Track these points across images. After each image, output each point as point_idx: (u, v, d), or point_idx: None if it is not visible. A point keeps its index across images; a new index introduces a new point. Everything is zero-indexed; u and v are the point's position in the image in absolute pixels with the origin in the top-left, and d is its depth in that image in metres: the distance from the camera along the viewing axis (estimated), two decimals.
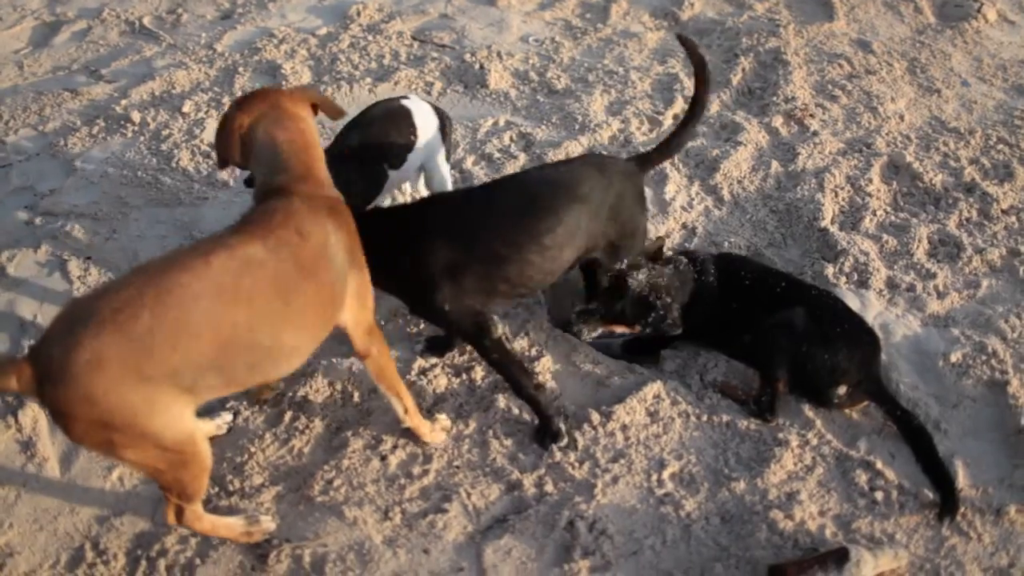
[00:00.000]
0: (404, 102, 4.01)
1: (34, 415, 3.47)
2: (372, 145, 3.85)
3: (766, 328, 3.55)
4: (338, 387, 3.61)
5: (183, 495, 2.72)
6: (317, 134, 2.94)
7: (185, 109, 5.20)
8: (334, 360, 3.70)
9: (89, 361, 2.24)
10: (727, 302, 3.72)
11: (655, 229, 4.44)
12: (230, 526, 3.03)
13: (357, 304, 2.95)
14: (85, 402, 2.27)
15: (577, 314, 3.71)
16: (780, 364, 3.50)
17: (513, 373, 3.38)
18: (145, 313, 2.30)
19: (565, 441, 3.38)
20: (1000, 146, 5.03)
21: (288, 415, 3.49)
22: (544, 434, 3.40)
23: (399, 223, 3.39)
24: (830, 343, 3.47)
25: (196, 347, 2.39)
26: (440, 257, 3.26)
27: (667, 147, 3.82)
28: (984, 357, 3.73)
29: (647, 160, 3.81)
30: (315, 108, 3.01)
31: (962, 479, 3.31)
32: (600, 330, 3.75)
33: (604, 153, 3.87)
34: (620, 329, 3.76)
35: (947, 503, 3.17)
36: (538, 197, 3.36)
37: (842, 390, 3.47)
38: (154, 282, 2.36)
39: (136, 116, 5.10)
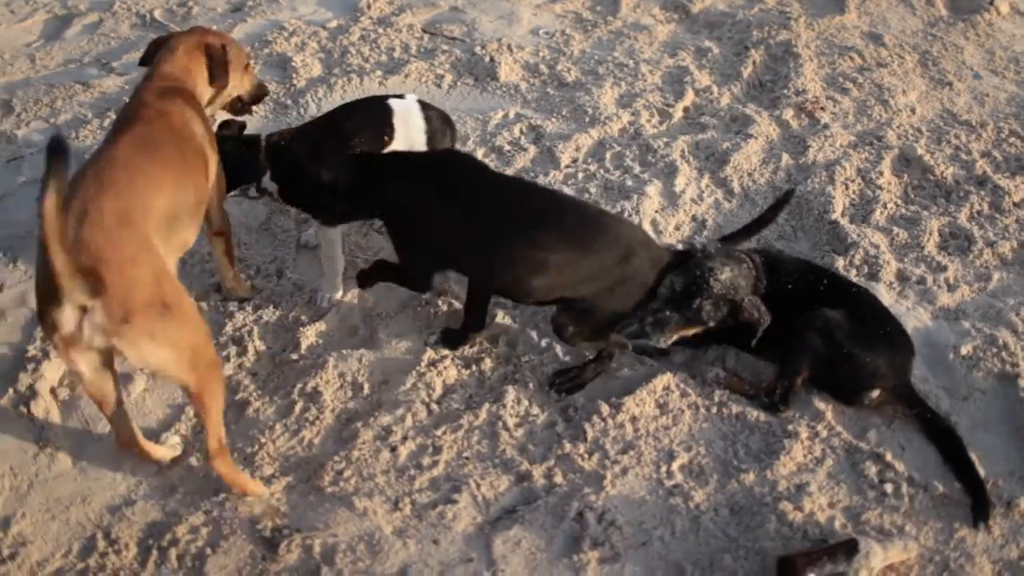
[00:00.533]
0: (391, 101, 4.02)
1: (46, 405, 3.50)
2: (338, 137, 3.84)
3: (803, 324, 3.48)
4: (348, 378, 3.62)
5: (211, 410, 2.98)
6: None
7: None
8: (344, 351, 3.72)
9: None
10: (772, 299, 3.54)
11: (665, 221, 4.44)
12: (258, 489, 3.18)
13: (218, 182, 3.55)
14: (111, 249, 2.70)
15: (652, 323, 3.49)
16: (806, 361, 3.46)
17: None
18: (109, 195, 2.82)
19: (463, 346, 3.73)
20: (1012, 139, 5.01)
21: (299, 406, 3.50)
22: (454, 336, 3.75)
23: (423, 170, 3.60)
24: (870, 346, 3.44)
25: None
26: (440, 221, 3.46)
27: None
28: (994, 350, 3.72)
29: (679, 255, 3.63)
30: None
31: (979, 472, 3.30)
32: (676, 336, 3.54)
33: (651, 235, 3.71)
34: (693, 331, 3.56)
35: (979, 506, 3.15)
36: (560, 225, 3.38)
37: (876, 393, 3.47)
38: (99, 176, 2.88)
39: None
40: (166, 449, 3.34)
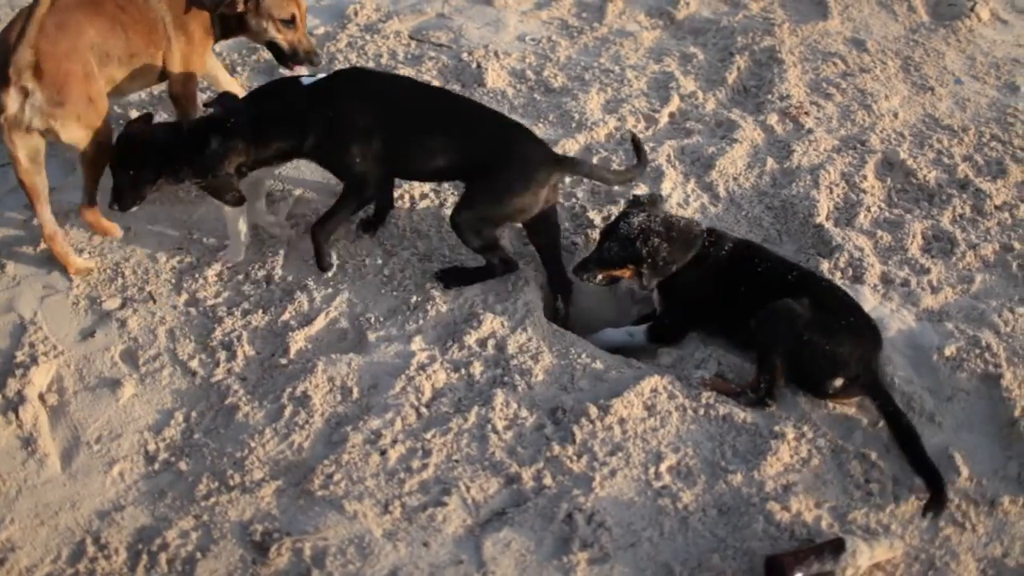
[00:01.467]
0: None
1: (35, 411, 3.50)
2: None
3: (768, 312, 3.58)
4: (337, 383, 3.63)
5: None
6: None
7: None
8: (333, 356, 3.73)
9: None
10: (738, 284, 3.78)
11: None
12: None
13: (180, 57, 4.33)
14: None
15: (577, 265, 3.95)
16: (779, 350, 3.53)
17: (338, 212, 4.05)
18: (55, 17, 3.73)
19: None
20: (993, 143, 5.07)
21: (288, 410, 3.51)
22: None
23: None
24: (832, 335, 3.50)
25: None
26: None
27: (582, 167, 4.23)
28: (978, 351, 3.77)
29: (561, 163, 4.07)
30: None
31: (964, 471, 3.35)
32: (600, 276, 3.92)
33: (536, 137, 4.11)
34: (620, 274, 3.90)
35: (936, 499, 3.19)
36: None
37: (839, 382, 3.50)
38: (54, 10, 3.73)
39: (135, 115, 5.11)
40: (82, 262, 4.09)
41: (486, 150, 3.94)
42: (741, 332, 3.72)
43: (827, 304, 3.62)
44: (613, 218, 4.03)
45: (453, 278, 4.08)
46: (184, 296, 4.03)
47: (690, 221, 3.96)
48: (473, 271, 4.10)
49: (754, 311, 3.62)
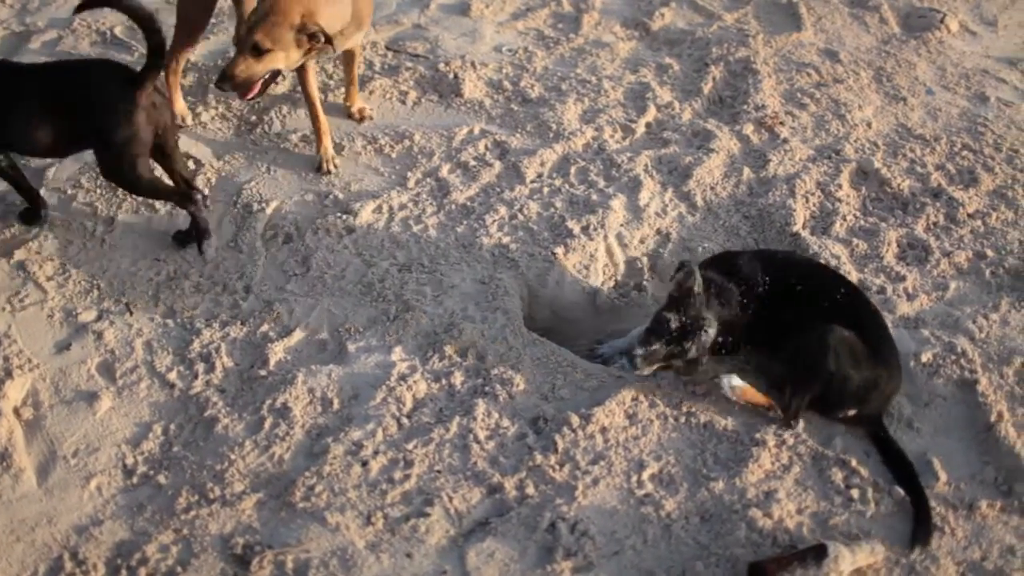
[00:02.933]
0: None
1: (9, 425, 3.45)
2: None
3: (819, 339, 3.48)
4: (317, 394, 3.61)
5: None
6: None
7: None
8: (313, 367, 3.71)
9: None
10: (779, 302, 3.64)
11: (630, 235, 4.49)
12: None
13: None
14: None
15: (642, 356, 3.55)
16: (820, 378, 3.46)
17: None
18: None
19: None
20: (965, 152, 5.14)
21: (268, 422, 3.49)
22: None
23: None
24: (868, 372, 3.47)
25: None
26: None
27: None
28: (954, 357, 3.81)
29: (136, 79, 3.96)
30: None
31: (942, 476, 3.39)
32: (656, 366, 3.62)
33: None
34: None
35: (921, 527, 3.18)
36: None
37: (852, 412, 3.52)
38: None
39: None
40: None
41: (84, 110, 3.92)
42: (783, 346, 3.60)
43: (872, 337, 3.55)
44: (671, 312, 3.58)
45: (182, 239, 4.29)
46: (162, 307, 3.99)
47: (714, 282, 3.64)
48: (192, 224, 4.24)
49: (799, 326, 3.54)
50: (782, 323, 3.60)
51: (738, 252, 4.01)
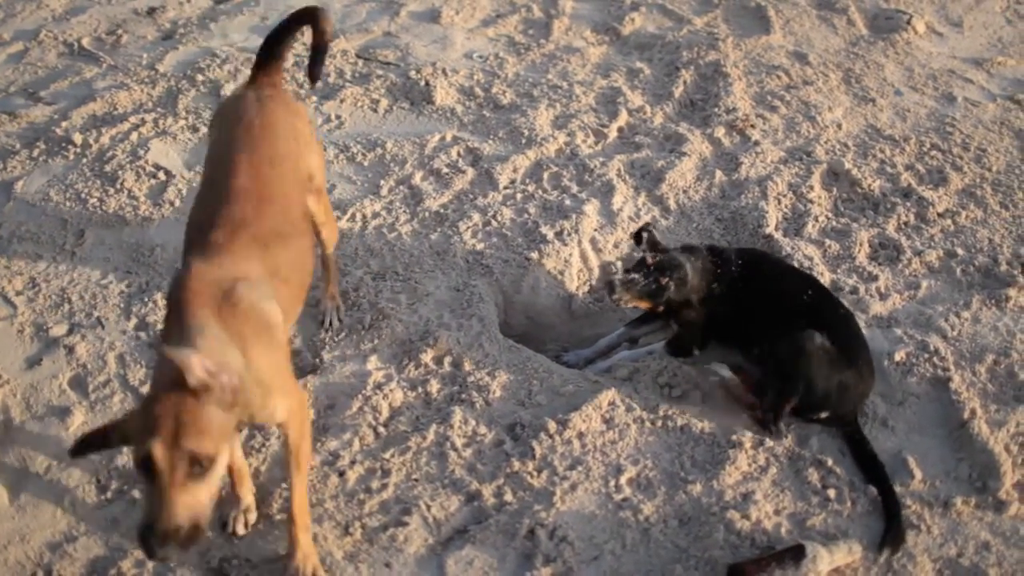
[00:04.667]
0: None
1: None
2: None
3: (795, 346, 3.52)
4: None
5: None
6: None
7: (128, 130, 5.14)
8: None
9: None
10: (752, 300, 3.74)
11: (604, 239, 4.50)
12: None
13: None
14: None
15: (623, 282, 3.70)
16: (800, 384, 3.49)
17: None
18: None
19: None
20: (933, 152, 5.19)
21: (244, 433, 3.46)
22: None
23: None
24: (840, 375, 3.49)
25: None
26: None
27: None
28: (926, 355, 3.84)
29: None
30: None
31: (917, 474, 3.41)
32: (631, 304, 3.79)
33: None
34: (644, 304, 3.78)
35: (891, 533, 3.17)
36: None
37: (825, 415, 3.55)
38: None
39: (78, 138, 5.03)
40: None
41: None
42: (755, 346, 3.70)
43: (843, 339, 3.58)
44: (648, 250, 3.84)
45: None
46: (134, 320, 3.95)
47: (699, 251, 3.86)
48: None
49: (770, 326, 3.61)
50: (754, 321, 3.69)
51: (712, 245, 4.08)
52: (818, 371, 3.47)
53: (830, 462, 3.42)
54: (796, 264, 4.26)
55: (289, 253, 2.94)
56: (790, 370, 3.51)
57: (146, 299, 4.04)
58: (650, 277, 3.69)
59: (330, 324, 3.94)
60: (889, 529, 3.17)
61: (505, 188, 4.79)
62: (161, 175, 4.79)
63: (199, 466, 2.24)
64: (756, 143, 5.21)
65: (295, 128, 3.29)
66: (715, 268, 3.79)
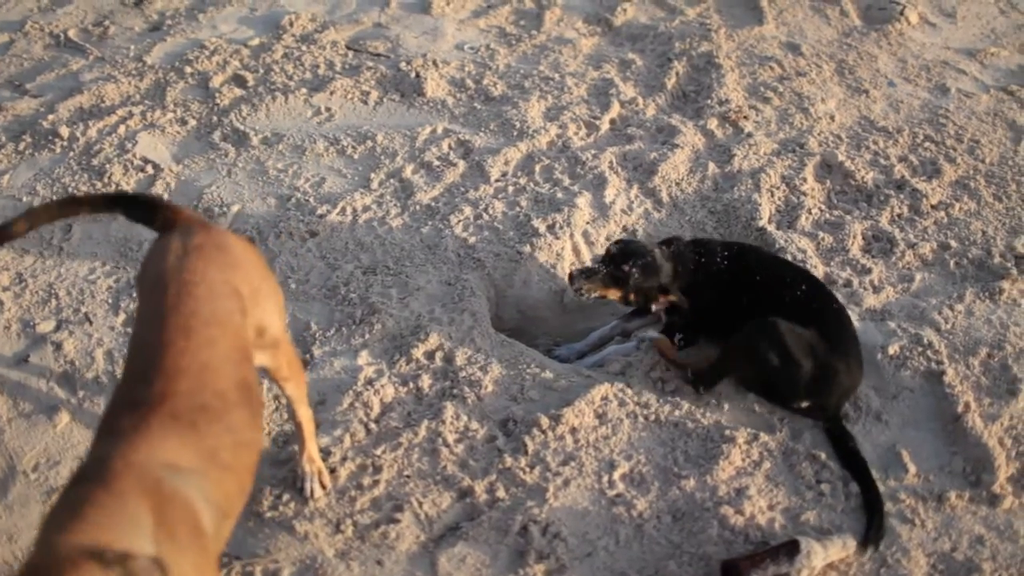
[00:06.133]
0: None
1: None
2: None
3: (756, 327, 3.56)
4: (283, 400, 3.55)
5: None
6: None
7: (115, 123, 5.09)
8: None
9: None
10: (739, 294, 3.78)
11: (596, 232, 4.47)
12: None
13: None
14: None
15: (578, 271, 3.86)
16: (748, 364, 3.57)
17: None
18: None
19: None
20: (927, 143, 5.17)
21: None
22: None
23: None
24: (813, 363, 3.49)
25: None
26: None
27: None
28: (920, 349, 3.82)
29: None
30: None
31: (911, 468, 3.40)
32: (595, 293, 3.87)
33: None
34: (612, 292, 3.87)
35: (872, 530, 3.15)
36: None
37: (805, 404, 3.55)
38: None
39: (64, 131, 4.98)
40: None
41: None
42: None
43: (831, 331, 3.59)
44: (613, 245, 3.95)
45: None
46: (122, 316, 3.92)
47: (678, 245, 3.95)
48: None
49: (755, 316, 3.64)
50: (741, 314, 3.68)
51: (699, 238, 4.16)
52: (775, 355, 3.48)
53: (824, 457, 3.41)
54: (789, 257, 4.24)
55: (225, 431, 2.36)
56: (744, 346, 3.58)
57: (134, 294, 4.00)
58: (611, 265, 3.81)
59: (311, 493, 3.22)
60: (871, 526, 3.16)
61: (497, 181, 4.76)
62: (149, 168, 4.74)
63: None
64: (749, 135, 5.19)
65: (230, 282, 2.63)
66: (698, 258, 3.86)
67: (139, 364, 2.39)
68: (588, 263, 4.23)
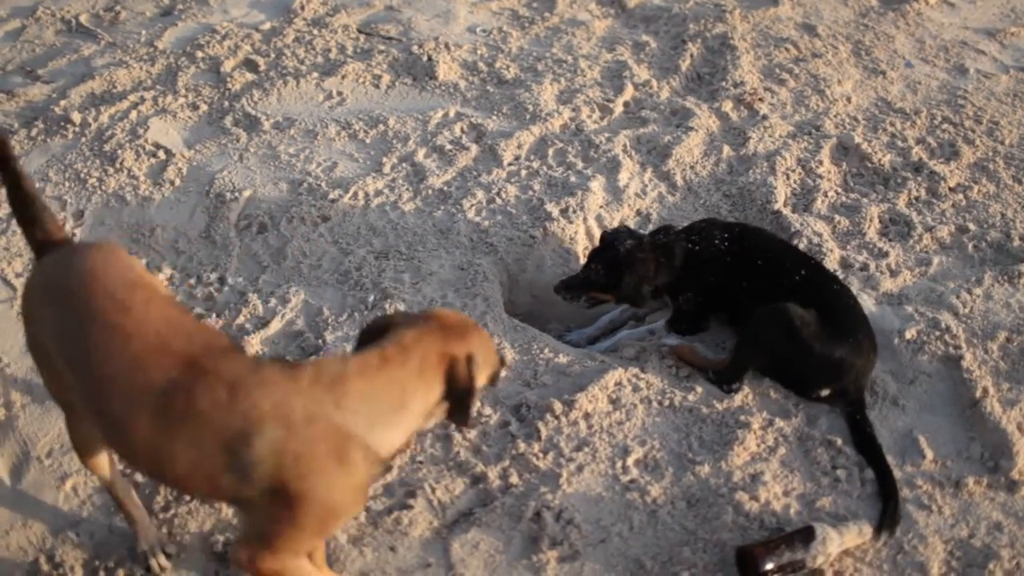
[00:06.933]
0: None
1: None
2: None
3: (765, 314, 3.52)
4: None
5: None
6: None
7: (127, 108, 5.08)
8: (290, 358, 3.64)
9: None
10: (741, 277, 3.72)
11: (610, 216, 4.44)
12: None
13: None
14: None
15: (562, 282, 3.88)
16: (764, 354, 3.53)
17: None
18: None
19: None
20: (945, 125, 5.10)
21: None
22: None
23: None
24: (833, 347, 3.44)
25: None
26: None
27: None
28: (938, 333, 3.78)
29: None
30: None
31: (928, 454, 3.36)
32: (583, 298, 3.87)
33: None
34: (604, 296, 3.85)
35: (887, 516, 3.12)
36: None
37: (825, 392, 3.51)
38: None
39: (76, 117, 4.97)
40: None
41: None
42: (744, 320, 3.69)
43: (834, 313, 3.53)
44: (600, 242, 3.93)
45: None
46: None
47: (668, 235, 3.85)
48: None
49: (760, 302, 3.57)
50: (747, 297, 3.65)
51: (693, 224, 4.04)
52: (789, 343, 3.44)
53: (839, 442, 3.37)
54: (805, 240, 4.20)
55: None
56: (755, 337, 3.54)
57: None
58: (593, 274, 3.81)
59: None
60: (886, 512, 3.13)
61: (509, 165, 4.73)
62: (161, 154, 4.74)
63: None
64: (764, 117, 5.13)
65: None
66: (692, 247, 3.77)
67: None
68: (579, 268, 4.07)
